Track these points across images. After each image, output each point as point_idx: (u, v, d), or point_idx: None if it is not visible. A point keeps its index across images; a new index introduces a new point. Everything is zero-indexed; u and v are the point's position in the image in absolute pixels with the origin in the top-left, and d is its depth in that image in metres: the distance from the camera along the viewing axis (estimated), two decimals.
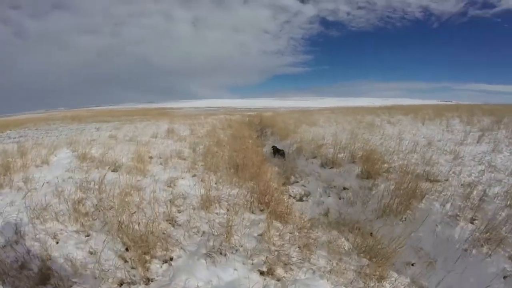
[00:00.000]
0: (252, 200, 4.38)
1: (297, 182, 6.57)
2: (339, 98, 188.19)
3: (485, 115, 12.46)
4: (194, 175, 5.43)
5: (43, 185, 4.36)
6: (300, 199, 5.71)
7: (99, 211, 3.71)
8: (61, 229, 3.32)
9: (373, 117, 14.81)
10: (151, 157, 6.32)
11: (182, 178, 5.15)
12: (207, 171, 5.67)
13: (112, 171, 5.24)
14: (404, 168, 5.53)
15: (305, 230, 3.84)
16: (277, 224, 3.89)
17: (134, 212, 3.75)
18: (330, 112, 21.93)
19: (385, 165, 5.96)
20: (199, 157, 6.60)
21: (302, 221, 4.19)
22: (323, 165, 6.93)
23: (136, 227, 3.20)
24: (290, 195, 5.76)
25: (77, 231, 3.33)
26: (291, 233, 3.68)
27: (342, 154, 7.06)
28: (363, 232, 4.14)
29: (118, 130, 10.79)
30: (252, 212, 4.18)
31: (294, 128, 12.22)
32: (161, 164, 5.91)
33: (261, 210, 4.22)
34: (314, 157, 7.59)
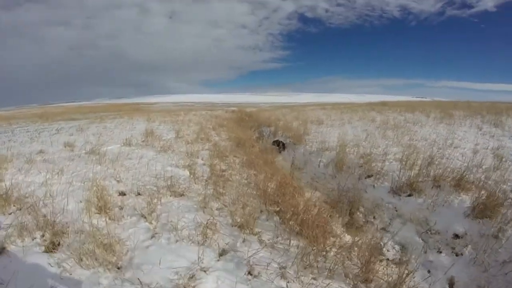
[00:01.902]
0: None
1: (370, 221, 4.05)
2: (314, 94, 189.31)
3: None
4: (222, 255, 2.54)
5: None
6: (398, 262, 3.16)
7: None
8: None
9: (376, 114, 12.77)
10: (121, 194, 3.42)
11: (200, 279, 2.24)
12: (236, 229, 2.90)
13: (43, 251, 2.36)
14: None
15: None
16: None
17: None
18: (320, 108, 19.65)
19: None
20: (205, 188, 3.80)
21: None
22: (394, 192, 4.41)
23: None
24: (387, 258, 3.18)
25: None
26: None
27: (411, 172, 4.63)
28: None
29: (81, 133, 7.69)
30: None
31: (300, 127, 9.68)
32: (142, 217, 2.91)
33: None
34: (369, 176, 5.09)
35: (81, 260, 2.23)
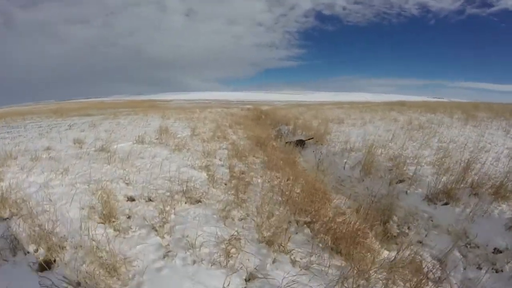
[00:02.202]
0: None
1: (404, 232, 3.55)
2: (330, 93, 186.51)
3: None
4: (249, 280, 2.03)
5: None
6: (438, 280, 2.65)
7: None
8: None
9: (397, 114, 12.14)
10: (130, 199, 2.99)
11: None
12: (263, 245, 2.43)
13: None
14: None
15: None
16: None
17: None
18: (338, 107, 18.97)
19: None
20: (226, 193, 3.34)
21: None
22: (429, 199, 3.87)
23: None
24: (427, 277, 2.66)
25: None
26: None
27: (445, 177, 4.10)
28: None
29: (93, 129, 7.40)
30: None
31: (320, 126, 9.11)
32: (153, 229, 2.43)
33: None
34: (401, 181, 4.54)
35: (79, 284, 1.80)
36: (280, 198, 3.44)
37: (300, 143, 7.66)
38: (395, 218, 3.96)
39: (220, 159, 4.74)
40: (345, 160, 5.73)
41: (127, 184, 3.30)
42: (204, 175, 3.83)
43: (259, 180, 3.99)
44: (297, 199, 3.38)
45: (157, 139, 6.09)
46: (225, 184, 3.59)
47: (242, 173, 4.18)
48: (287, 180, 4.17)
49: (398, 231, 3.78)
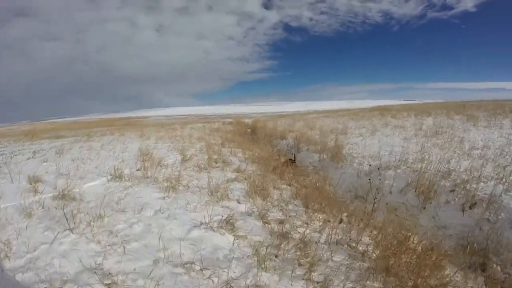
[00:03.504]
0: None
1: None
2: (303, 102, 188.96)
3: None
4: None
5: None
6: None
7: None
8: None
9: (393, 119, 11.36)
10: None
11: None
12: None
13: None
14: None
15: None
16: None
17: None
18: (324, 116, 17.96)
19: None
20: (292, 280, 1.85)
21: None
22: None
23: None
24: None
25: None
26: None
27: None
28: None
29: (59, 157, 5.68)
30: None
31: (323, 139, 7.86)
32: None
33: None
34: (473, 205, 3.45)
35: None
36: (358, 264, 2.03)
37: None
38: (491, 256, 2.78)
39: (237, 200, 3.23)
40: (388, 182, 4.43)
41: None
42: (230, 239, 2.31)
43: (312, 234, 2.55)
44: (375, 260, 1.98)
45: (139, 170, 4.49)
46: (276, 257, 2.10)
47: (281, 223, 2.72)
48: (343, 224, 2.78)
49: (504, 275, 2.69)
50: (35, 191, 3.44)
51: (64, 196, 3.13)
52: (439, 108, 14.75)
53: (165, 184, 3.64)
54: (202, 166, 4.91)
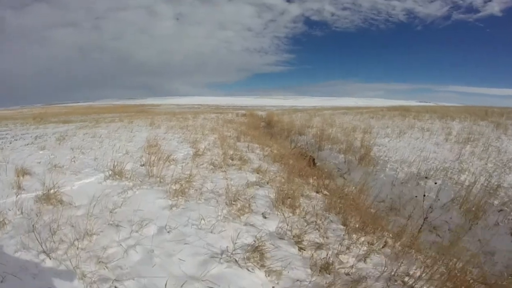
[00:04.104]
0: None
1: None
2: (320, 98, 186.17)
3: None
4: None
5: None
6: None
7: None
8: None
9: (417, 121, 10.58)
10: None
11: None
12: None
13: None
14: None
15: None
16: None
17: None
18: (342, 113, 17.09)
19: None
20: None
21: None
22: None
23: None
24: None
25: None
26: None
27: None
28: None
29: (59, 145, 5.20)
30: None
31: (349, 138, 7.09)
32: None
33: None
34: None
35: None
36: None
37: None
38: None
39: (263, 214, 2.53)
40: (427, 194, 3.68)
41: None
42: (262, 278, 1.63)
43: (362, 265, 1.87)
44: None
45: (143, 165, 3.84)
46: None
47: (319, 248, 2.03)
48: (387, 247, 2.08)
49: None
50: (19, 188, 2.83)
51: (49, 198, 2.50)
52: (460, 112, 13.88)
53: (173, 187, 2.97)
54: (217, 163, 4.24)
